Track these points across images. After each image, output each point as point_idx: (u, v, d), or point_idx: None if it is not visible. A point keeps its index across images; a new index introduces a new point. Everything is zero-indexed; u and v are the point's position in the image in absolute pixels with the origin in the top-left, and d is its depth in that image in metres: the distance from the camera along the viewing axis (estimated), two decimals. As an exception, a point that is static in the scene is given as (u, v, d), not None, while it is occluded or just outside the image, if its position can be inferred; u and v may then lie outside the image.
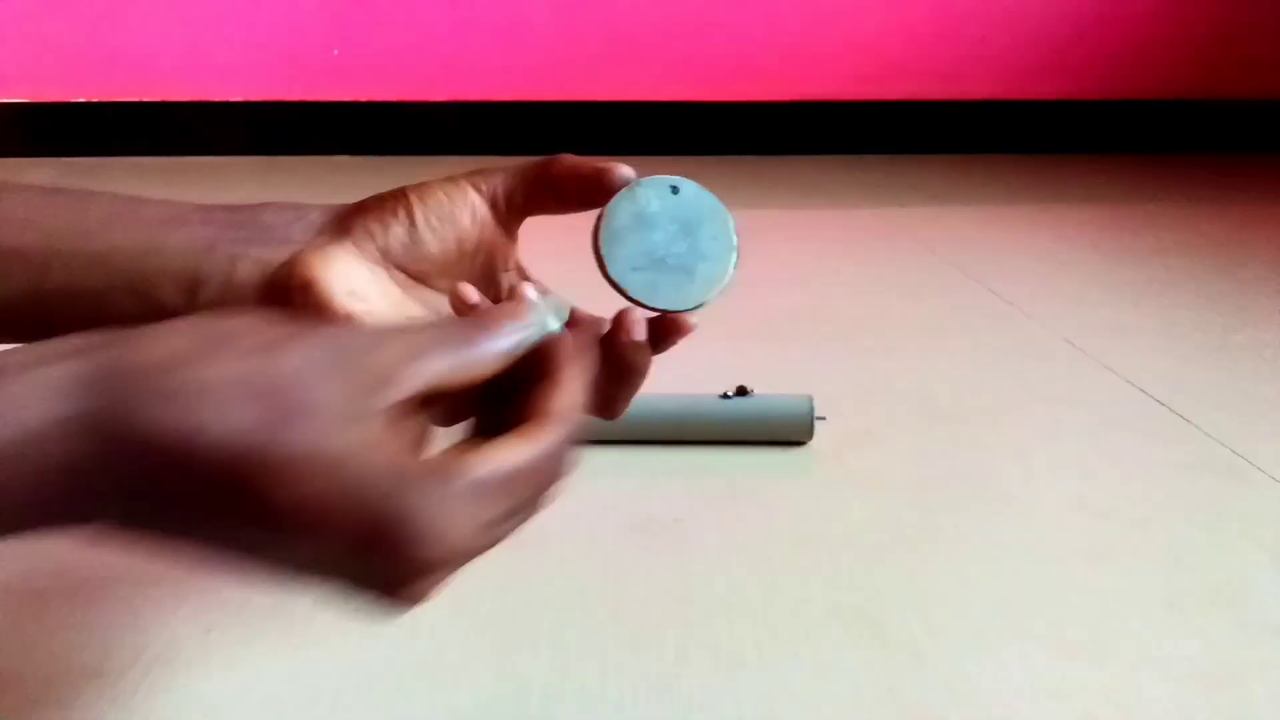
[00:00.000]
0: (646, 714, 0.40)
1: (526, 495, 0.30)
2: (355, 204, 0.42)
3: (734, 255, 0.41)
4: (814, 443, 0.65)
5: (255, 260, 0.40)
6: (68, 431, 0.26)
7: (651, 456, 0.63)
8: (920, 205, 1.50)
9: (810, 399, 0.65)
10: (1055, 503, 0.59)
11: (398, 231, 0.41)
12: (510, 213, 0.42)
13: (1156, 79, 2.01)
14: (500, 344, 0.32)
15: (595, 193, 0.41)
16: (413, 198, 0.41)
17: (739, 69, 1.96)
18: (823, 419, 0.66)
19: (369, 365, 0.28)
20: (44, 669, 0.42)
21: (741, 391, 0.65)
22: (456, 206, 0.42)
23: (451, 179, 0.42)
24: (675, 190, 0.40)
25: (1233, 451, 0.65)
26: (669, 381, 0.72)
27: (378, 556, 0.27)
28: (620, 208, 0.40)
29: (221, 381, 0.27)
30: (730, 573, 0.50)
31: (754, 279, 1.05)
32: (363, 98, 1.92)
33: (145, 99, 1.89)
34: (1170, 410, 0.72)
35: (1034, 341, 0.88)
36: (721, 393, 0.65)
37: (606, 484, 0.59)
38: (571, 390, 0.32)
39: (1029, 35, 1.97)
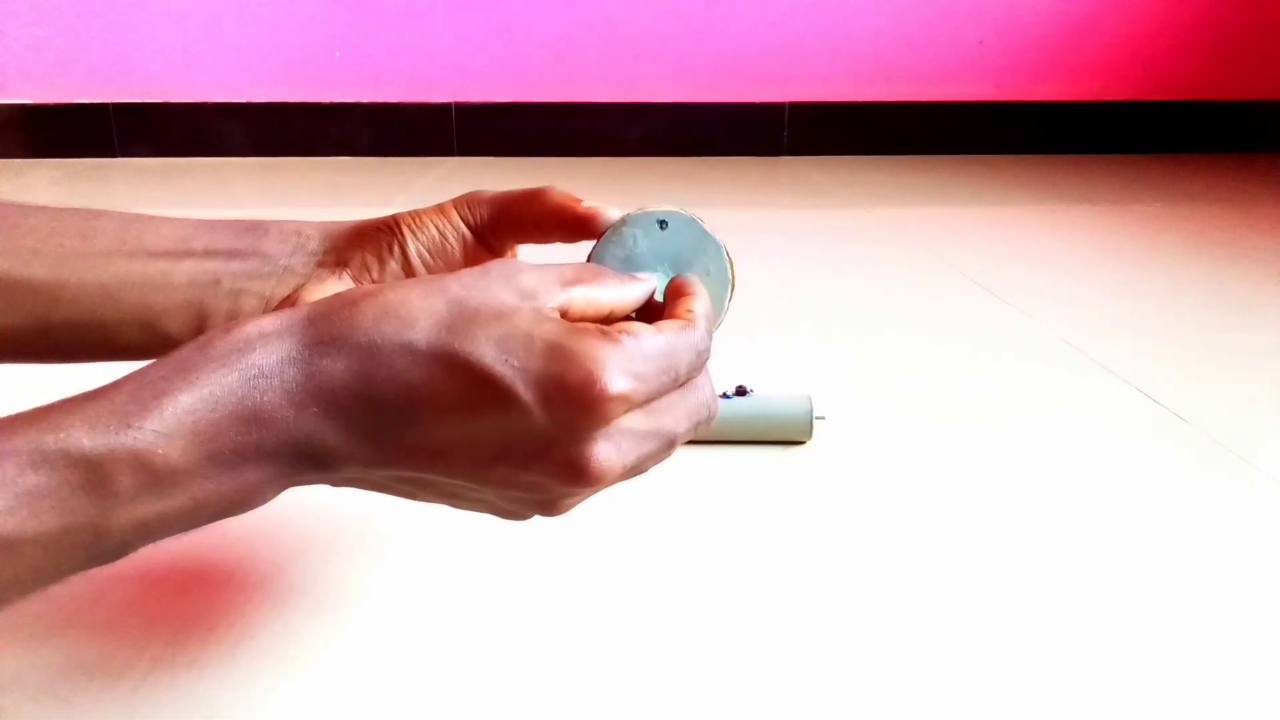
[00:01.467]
0: (645, 714, 0.40)
1: (677, 372, 0.34)
2: (352, 230, 0.43)
3: (729, 289, 0.39)
4: (814, 442, 0.66)
5: (259, 295, 0.42)
6: (290, 364, 0.32)
7: (651, 456, 0.63)
8: (920, 205, 1.50)
9: (810, 399, 0.65)
10: (1055, 503, 0.59)
11: (393, 266, 0.42)
12: (497, 241, 0.43)
13: (1156, 79, 2.01)
14: (640, 290, 0.37)
15: (580, 232, 0.41)
16: (405, 232, 0.43)
17: (739, 69, 1.96)
18: (822, 419, 0.66)
19: (526, 282, 0.34)
20: (44, 668, 0.42)
21: (741, 391, 0.65)
22: (447, 238, 0.43)
23: (441, 209, 0.43)
24: (663, 225, 0.39)
25: (1232, 452, 0.66)
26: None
27: (559, 401, 0.31)
28: (608, 253, 0.39)
29: (409, 298, 0.33)
30: (729, 573, 0.51)
31: (754, 279, 1.05)
32: (363, 99, 1.93)
33: (147, 100, 1.90)
34: (1169, 410, 0.72)
35: (1032, 341, 0.88)
36: (721, 393, 0.65)
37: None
38: (704, 299, 0.37)
39: (1028, 36, 1.98)
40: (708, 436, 0.65)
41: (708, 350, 0.36)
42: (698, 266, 0.39)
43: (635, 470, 0.35)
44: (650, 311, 0.38)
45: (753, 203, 1.54)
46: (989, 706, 0.41)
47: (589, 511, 0.56)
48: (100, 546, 0.30)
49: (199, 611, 0.46)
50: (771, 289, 1.03)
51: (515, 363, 0.31)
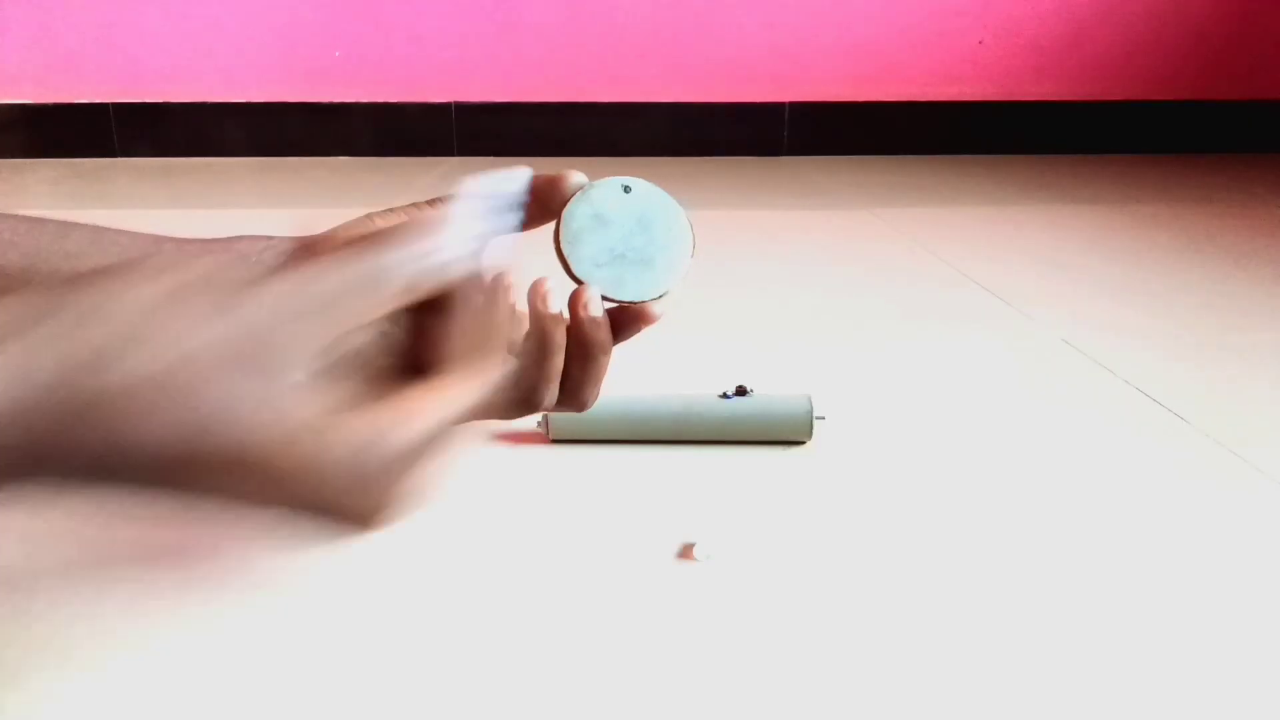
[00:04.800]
0: (643, 716, 0.40)
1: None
2: (323, 233, 0.44)
3: (690, 244, 0.42)
4: (814, 442, 0.66)
5: None
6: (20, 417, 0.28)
7: (651, 456, 0.63)
8: (920, 205, 1.50)
9: (810, 398, 0.65)
10: (1054, 503, 0.59)
11: None
12: None
13: (1156, 79, 2.01)
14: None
15: (552, 202, 0.42)
16: (380, 222, 0.43)
17: (739, 69, 1.96)
18: (822, 418, 0.66)
19: (274, 344, 0.30)
20: (45, 667, 0.42)
21: (741, 391, 0.65)
22: None
23: (416, 205, 0.44)
24: (627, 189, 0.42)
25: (1232, 452, 0.66)
26: (669, 381, 0.72)
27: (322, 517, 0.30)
28: (578, 210, 0.42)
29: (141, 388, 0.29)
30: (729, 572, 0.51)
31: (754, 279, 1.05)
32: (363, 99, 1.93)
33: (147, 100, 1.90)
34: (1169, 410, 0.72)
35: (1032, 342, 0.88)
36: (721, 392, 0.65)
37: (605, 484, 0.60)
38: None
39: (1028, 36, 1.98)
40: (711, 437, 0.65)
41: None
42: (659, 224, 0.42)
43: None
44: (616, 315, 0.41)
45: (753, 203, 1.54)
46: (989, 707, 0.41)
47: (584, 509, 0.56)
48: None
49: (199, 611, 0.46)
50: (772, 289, 1.03)
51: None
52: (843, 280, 1.08)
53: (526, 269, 0.41)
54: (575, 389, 0.42)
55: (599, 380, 0.42)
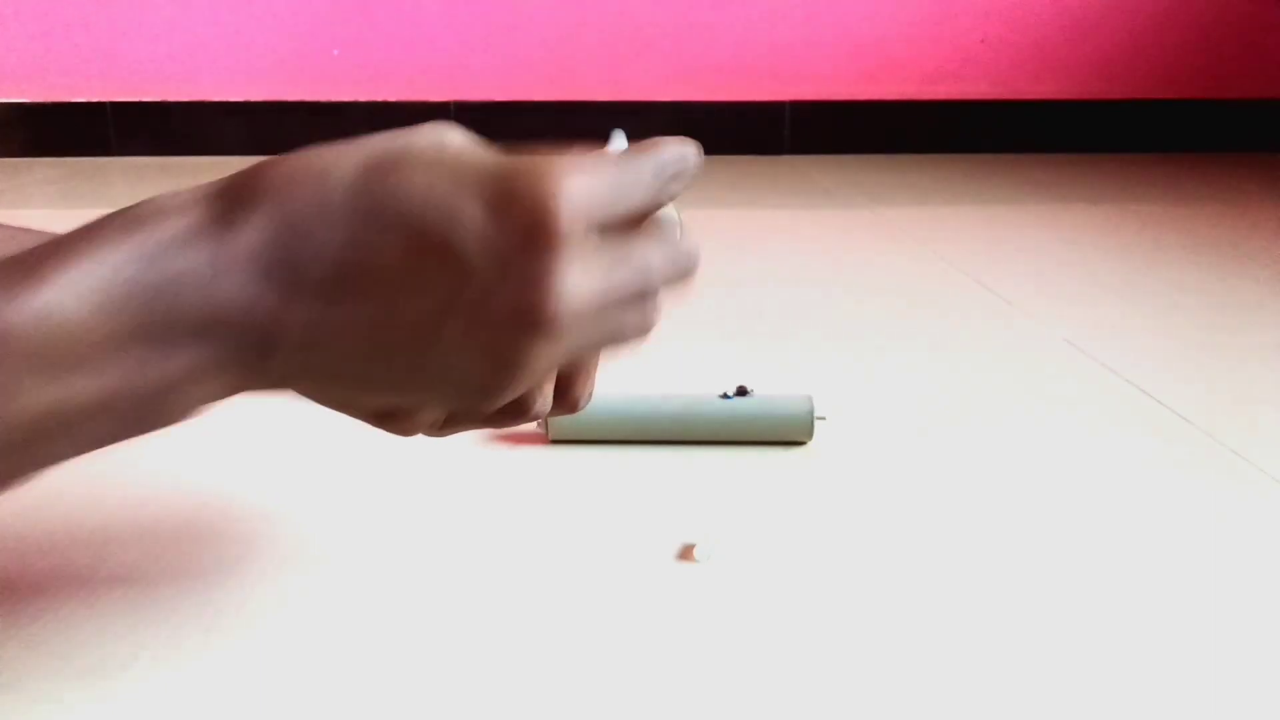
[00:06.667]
0: (644, 717, 0.40)
1: (644, 185, 0.31)
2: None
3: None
4: (814, 443, 0.65)
5: None
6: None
7: (651, 456, 0.63)
8: (920, 205, 1.50)
9: (810, 399, 0.65)
10: (1056, 503, 0.59)
11: None
12: None
13: (1156, 79, 2.01)
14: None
15: None
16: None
17: (739, 67, 1.96)
18: (823, 419, 0.66)
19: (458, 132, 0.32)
20: (43, 668, 0.42)
21: (741, 391, 0.65)
22: None
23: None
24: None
25: (1233, 451, 0.65)
26: (669, 381, 0.72)
27: (499, 219, 0.28)
28: None
29: (320, 154, 0.32)
30: (728, 573, 0.50)
31: (754, 279, 1.05)
32: (363, 98, 1.92)
33: (145, 99, 1.89)
34: (1170, 410, 0.72)
35: (1034, 341, 0.88)
36: (721, 393, 0.65)
37: (605, 484, 0.59)
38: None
39: (1029, 35, 1.97)
40: (711, 437, 0.64)
41: (679, 168, 0.33)
42: None
43: (608, 316, 0.30)
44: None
45: (753, 202, 1.54)
46: (991, 708, 0.41)
47: (583, 509, 0.56)
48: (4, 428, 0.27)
49: (196, 612, 0.46)
50: (772, 288, 1.03)
51: (441, 199, 0.28)
52: (843, 280, 1.08)
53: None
54: (566, 385, 0.40)
55: (590, 375, 0.40)
